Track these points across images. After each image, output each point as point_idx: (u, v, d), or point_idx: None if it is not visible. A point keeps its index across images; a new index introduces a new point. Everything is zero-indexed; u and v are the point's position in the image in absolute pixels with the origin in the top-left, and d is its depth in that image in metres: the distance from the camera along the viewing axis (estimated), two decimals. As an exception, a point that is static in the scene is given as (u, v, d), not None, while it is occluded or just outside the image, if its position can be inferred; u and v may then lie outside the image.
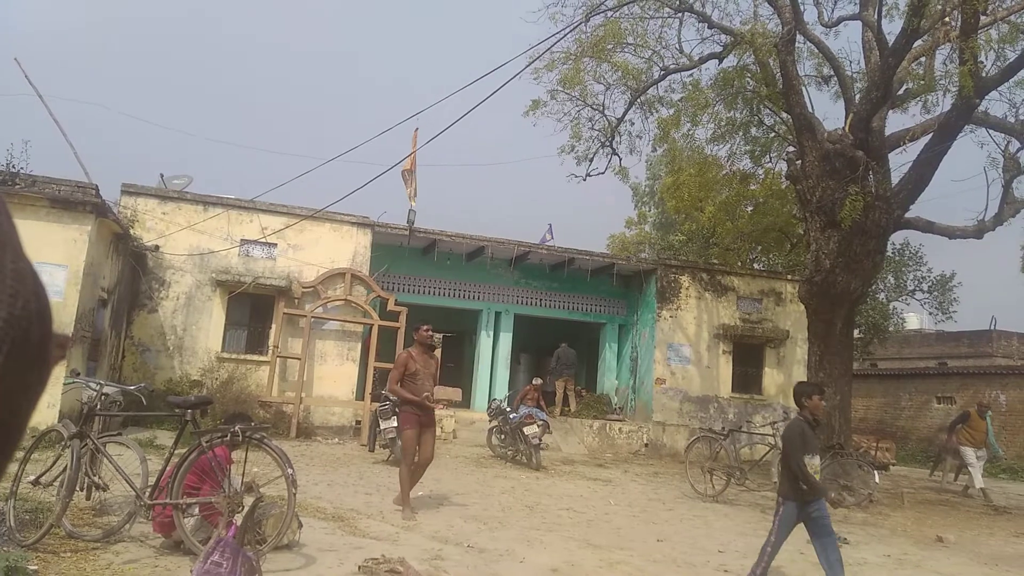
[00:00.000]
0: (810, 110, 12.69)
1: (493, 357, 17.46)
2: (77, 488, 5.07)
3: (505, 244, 16.37)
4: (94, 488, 5.45)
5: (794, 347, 17.37)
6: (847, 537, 7.69)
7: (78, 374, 7.68)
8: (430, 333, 7.43)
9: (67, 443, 5.06)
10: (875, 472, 10.52)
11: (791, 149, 14.13)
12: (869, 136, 11.96)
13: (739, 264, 19.54)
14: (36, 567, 4.23)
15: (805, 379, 12.48)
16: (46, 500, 5.08)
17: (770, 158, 17.48)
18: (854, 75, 14.60)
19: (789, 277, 18.02)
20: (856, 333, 18.54)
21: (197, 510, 4.90)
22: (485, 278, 17.25)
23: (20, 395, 0.26)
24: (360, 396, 14.12)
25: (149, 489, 5.01)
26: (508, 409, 12.61)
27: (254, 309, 14.32)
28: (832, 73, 14.17)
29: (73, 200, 10.46)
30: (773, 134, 16.65)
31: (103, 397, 5.65)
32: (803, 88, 13.09)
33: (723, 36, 14.37)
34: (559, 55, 14.12)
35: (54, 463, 5.26)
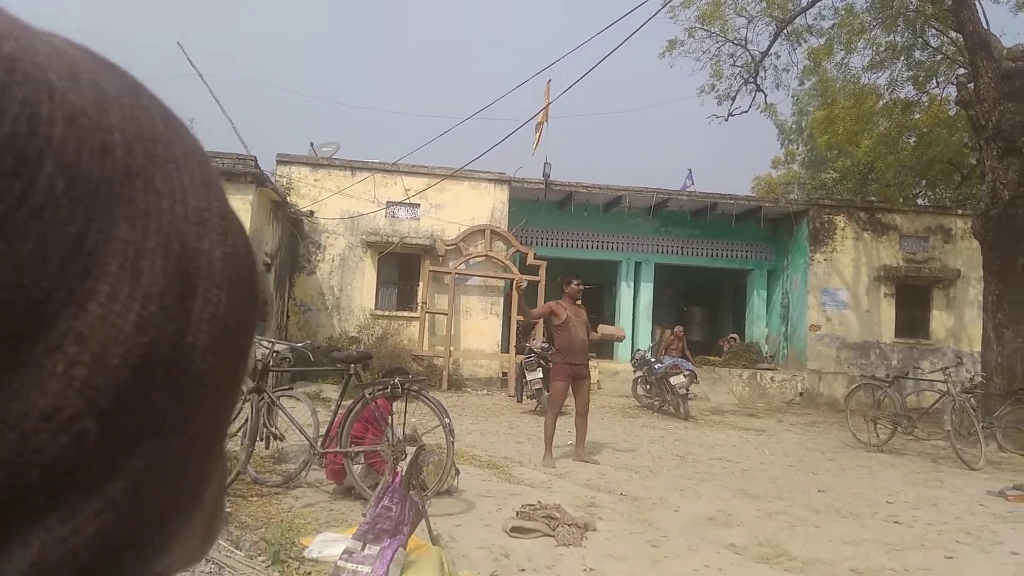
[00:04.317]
0: (984, 26, 11.38)
1: (634, 308, 17.28)
2: (258, 438, 5.53)
3: (643, 192, 16.00)
4: (272, 438, 5.90)
5: (966, 287, 15.96)
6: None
7: (251, 333, 8.32)
8: (580, 288, 7.43)
9: (246, 397, 5.49)
10: (1065, 421, 9.55)
11: (962, 71, 12.82)
12: (1059, 49, 10.61)
13: (901, 200, 18.08)
14: (229, 509, 4.68)
15: (980, 321, 11.48)
16: (231, 450, 5.57)
17: (936, 83, 15.94)
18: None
19: (959, 212, 16.49)
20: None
21: (363, 458, 5.21)
22: (623, 228, 16.99)
23: (241, 333, 0.27)
24: (505, 349, 14.46)
25: (321, 438, 5.38)
26: (652, 359, 12.47)
27: (402, 268, 14.93)
28: (1012, -19, 12.62)
29: (235, 172, 11.24)
30: (940, 56, 15.12)
31: (275, 354, 6.09)
32: (976, 2, 11.75)
33: (879, -50, 13.12)
34: (696, -10, 13.45)
35: (236, 416, 5.74)
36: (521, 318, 7.35)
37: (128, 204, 0.23)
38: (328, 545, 3.90)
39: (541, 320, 11.09)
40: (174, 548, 0.26)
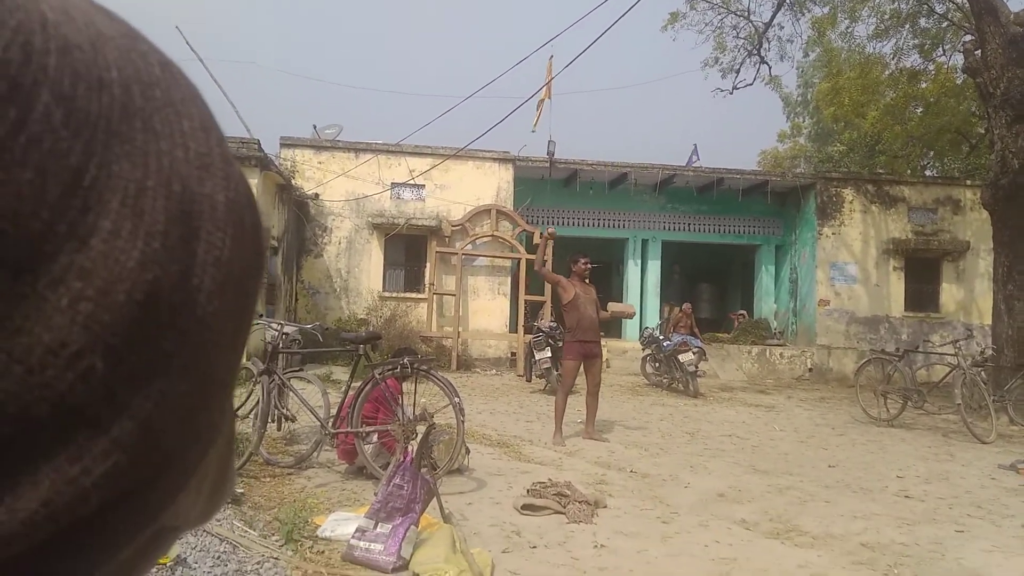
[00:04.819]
0: (991, -10, 11.22)
1: (642, 286, 17.24)
2: (269, 419, 5.56)
3: (649, 169, 15.90)
4: (284, 419, 5.94)
5: (976, 259, 15.86)
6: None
7: (261, 315, 8.34)
8: (588, 266, 7.38)
9: (257, 379, 5.51)
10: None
11: (968, 38, 12.66)
12: (1069, 13, 10.45)
13: (909, 172, 17.93)
14: (242, 490, 4.71)
15: (991, 294, 11.42)
16: (243, 431, 5.60)
17: (943, 51, 15.76)
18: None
19: (968, 183, 16.33)
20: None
21: (375, 437, 5.23)
22: (630, 205, 16.91)
23: (247, 279, 0.27)
24: (513, 328, 14.47)
25: (332, 419, 5.41)
26: (661, 337, 12.47)
27: (409, 249, 14.92)
28: (1021, -56, 12.39)
29: (239, 156, 11.21)
30: (946, 23, 14.92)
31: (284, 336, 6.11)
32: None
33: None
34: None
35: (247, 398, 5.77)
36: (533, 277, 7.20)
37: (127, 143, 0.23)
38: (341, 524, 3.93)
39: (549, 300, 11.04)
40: (182, 499, 0.26)
